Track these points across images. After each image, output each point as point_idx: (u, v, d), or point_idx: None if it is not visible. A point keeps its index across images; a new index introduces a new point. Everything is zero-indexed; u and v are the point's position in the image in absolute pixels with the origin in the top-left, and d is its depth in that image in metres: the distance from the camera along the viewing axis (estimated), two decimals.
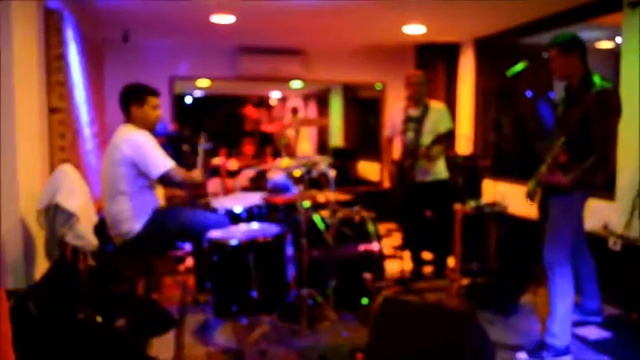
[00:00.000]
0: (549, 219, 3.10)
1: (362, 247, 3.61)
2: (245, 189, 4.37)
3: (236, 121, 5.54)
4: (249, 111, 5.47)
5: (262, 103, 9.84)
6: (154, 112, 3.40)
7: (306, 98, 12.86)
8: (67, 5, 4.18)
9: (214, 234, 3.25)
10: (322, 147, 11.47)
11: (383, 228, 6.65)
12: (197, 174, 3.36)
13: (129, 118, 3.38)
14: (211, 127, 5.74)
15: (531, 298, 3.98)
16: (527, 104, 6.51)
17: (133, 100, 3.36)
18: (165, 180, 3.26)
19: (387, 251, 5.50)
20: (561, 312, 3.02)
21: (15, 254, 2.93)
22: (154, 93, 3.43)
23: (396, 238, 5.52)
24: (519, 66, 3.44)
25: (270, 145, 5.51)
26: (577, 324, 3.39)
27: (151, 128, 3.40)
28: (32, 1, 3.22)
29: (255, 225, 3.48)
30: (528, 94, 6.46)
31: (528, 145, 6.24)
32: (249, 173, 4.05)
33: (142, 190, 3.27)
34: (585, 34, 4.86)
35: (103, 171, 3.36)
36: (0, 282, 2.76)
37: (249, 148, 5.53)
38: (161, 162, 3.19)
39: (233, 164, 4.78)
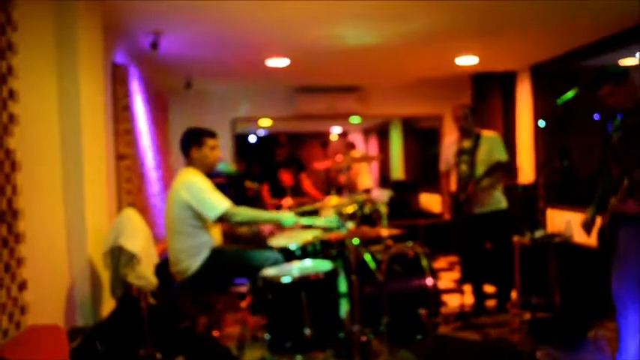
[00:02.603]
0: (619, 250, 2.96)
1: (415, 283, 3.58)
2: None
3: (269, 155, 5.94)
4: (281, 143, 5.91)
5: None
6: (212, 153, 3.57)
7: (367, 132, 12.95)
8: (133, 59, 4.50)
9: (268, 272, 3.33)
10: (383, 180, 11.46)
11: (445, 261, 6.55)
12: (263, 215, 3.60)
13: (190, 161, 3.57)
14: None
15: (599, 333, 3.77)
16: (596, 128, 6.26)
17: (191, 143, 3.55)
18: (223, 220, 3.41)
19: (448, 285, 5.41)
20: (632, 349, 2.87)
21: (84, 294, 3.13)
22: (211, 135, 3.60)
23: (458, 272, 5.40)
24: (570, 93, 3.36)
25: (303, 172, 5.89)
26: None
27: (211, 168, 3.58)
28: (99, 57, 3.49)
29: (307, 262, 3.53)
30: (596, 117, 6.23)
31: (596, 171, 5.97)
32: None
33: (199, 230, 3.42)
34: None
35: (166, 211, 3.56)
36: (68, 320, 2.94)
37: (286, 177, 5.92)
38: (217, 204, 3.34)
39: (287, 202, 4.91)
